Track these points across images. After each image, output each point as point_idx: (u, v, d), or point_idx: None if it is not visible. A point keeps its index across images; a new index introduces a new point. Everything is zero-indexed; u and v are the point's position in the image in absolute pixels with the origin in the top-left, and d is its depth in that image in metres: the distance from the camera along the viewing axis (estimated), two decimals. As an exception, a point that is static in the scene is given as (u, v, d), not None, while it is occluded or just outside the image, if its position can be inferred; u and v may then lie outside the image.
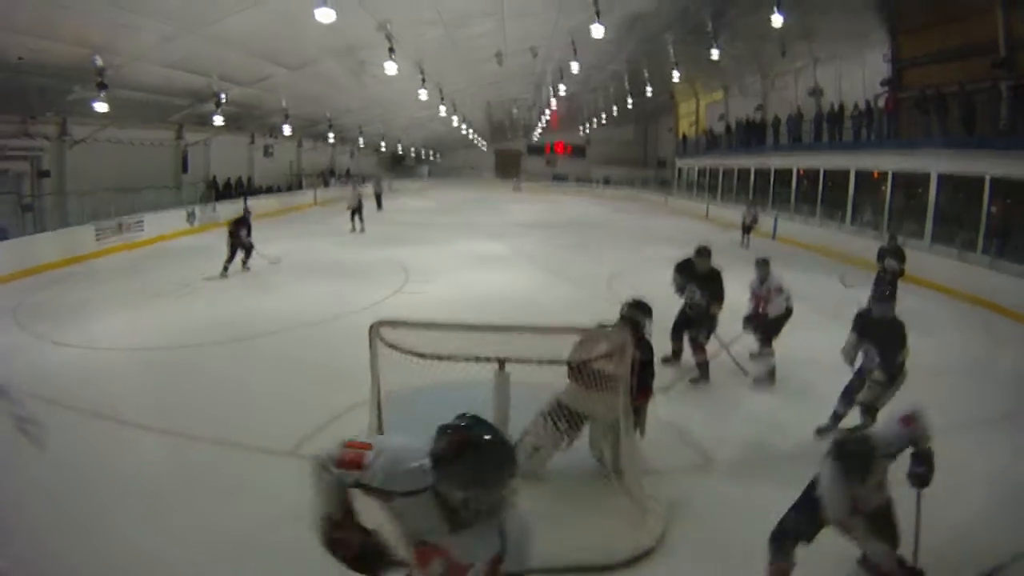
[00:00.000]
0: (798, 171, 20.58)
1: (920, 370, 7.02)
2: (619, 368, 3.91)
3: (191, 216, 16.45)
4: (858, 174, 17.16)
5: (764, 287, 6.60)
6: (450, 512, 1.75)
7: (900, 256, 9.04)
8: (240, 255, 10.92)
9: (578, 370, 3.97)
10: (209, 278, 10.50)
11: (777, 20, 13.37)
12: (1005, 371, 7.22)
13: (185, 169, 19.20)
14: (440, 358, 3.51)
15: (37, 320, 7.91)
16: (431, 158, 44.31)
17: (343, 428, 4.68)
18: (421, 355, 3.52)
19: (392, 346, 3.69)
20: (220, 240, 13.61)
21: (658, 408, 5.39)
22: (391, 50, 13.47)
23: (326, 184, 29.34)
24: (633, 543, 3.53)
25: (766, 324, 6.47)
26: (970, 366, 7.32)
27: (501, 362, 3.46)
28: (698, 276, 6.25)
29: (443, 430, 1.75)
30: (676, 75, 21.83)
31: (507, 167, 45.25)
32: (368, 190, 23.26)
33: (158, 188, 16.86)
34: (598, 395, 3.92)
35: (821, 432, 5.00)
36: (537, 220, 22.26)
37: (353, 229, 16.94)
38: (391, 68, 13.86)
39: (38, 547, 3.30)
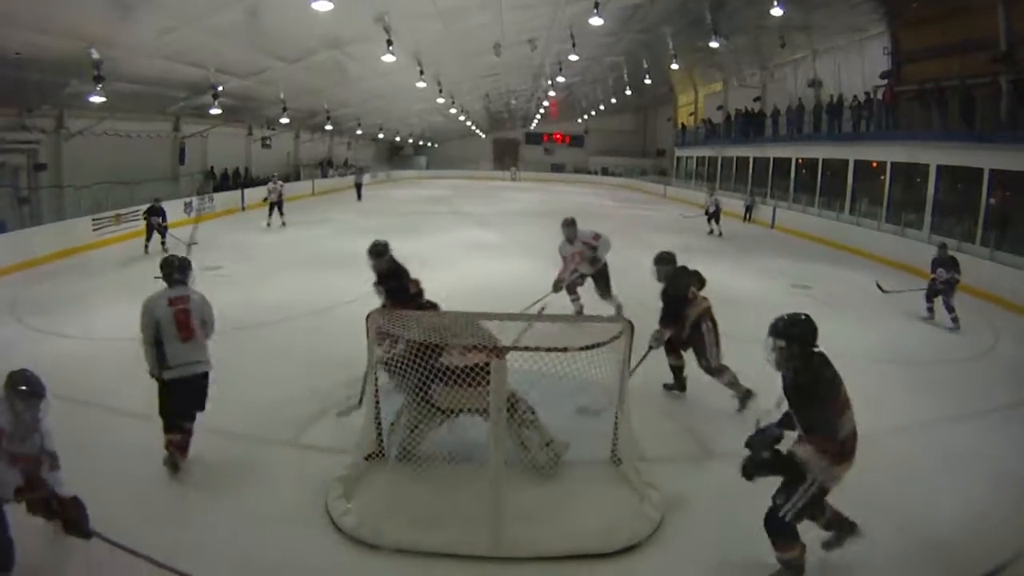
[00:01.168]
0: (797, 161, 20.55)
1: (921, 362, 7.10)
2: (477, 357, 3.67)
3: (188, 207, 16.41)
4: (857, 164, 17.14)
5: (576, 245, 7.09)
6: (20, 425, 2.98)
7: (953, 266, 8.42)
8: (157, 237, 12.40)
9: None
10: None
11: (776, 11, 13.32)
12: (1005, 362, 7.24)
13: (182, 161, 19.11)
14: (437, 346, 3.51)
15: (34, 312, 7.89)
16: (429, 146, 44.15)
17: (340, 417, 4.70)
18: (419, 344, 3.52)
19: (388, 335, 3.69)
20: (218, 231, 14.20)
21: (656, 401, 5.44)
22: (389, 42, 13.41)
23: (324, 175, 29.33)
24: (631, 531, 3.55)
25: (600, 270, 7.13)
26: (970, 357, 7.34)
27: (499, 351, 3.47)
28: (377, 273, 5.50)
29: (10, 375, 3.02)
30: (675, 66, 21.74)
31: (505, 156, 45.10)
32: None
33: (155, 180, 16.78)
34: (460, 391, 3.65)
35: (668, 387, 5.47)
36: (534, 209, 22.18)
37: (269, 225, 16.30)
38: (389, 60, 13.79)
39: (37, 541, 3.30)
